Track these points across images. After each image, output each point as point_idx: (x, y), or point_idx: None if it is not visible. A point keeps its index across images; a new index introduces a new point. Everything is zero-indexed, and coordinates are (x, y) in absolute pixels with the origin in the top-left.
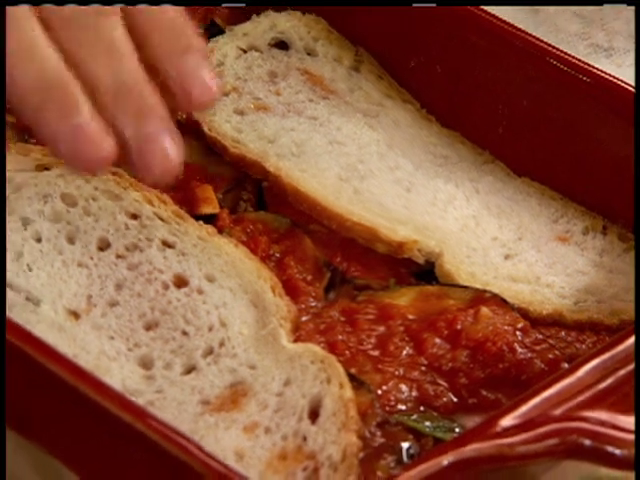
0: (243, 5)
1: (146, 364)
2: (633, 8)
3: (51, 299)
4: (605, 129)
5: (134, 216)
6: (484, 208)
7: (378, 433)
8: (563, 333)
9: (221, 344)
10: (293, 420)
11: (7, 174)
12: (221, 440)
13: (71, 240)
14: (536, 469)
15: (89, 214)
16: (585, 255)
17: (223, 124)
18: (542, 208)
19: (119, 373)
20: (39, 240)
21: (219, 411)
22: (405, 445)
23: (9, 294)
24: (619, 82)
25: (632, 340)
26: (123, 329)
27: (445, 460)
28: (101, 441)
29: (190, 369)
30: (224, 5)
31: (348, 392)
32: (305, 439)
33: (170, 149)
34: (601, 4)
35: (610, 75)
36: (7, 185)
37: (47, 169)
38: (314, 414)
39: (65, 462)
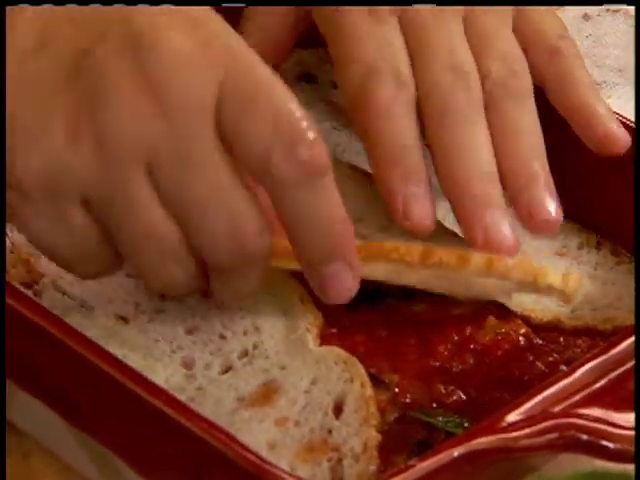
0: (243, 5)
1: (187, 364)
2: (622, 47)
3: (103, 306)
4: (595, 154)
5: None
6: None
7: (395, 427)
8: (561, 338)
9: (255, 347)
10: (319, 415)
11: None
12: (255, 433)
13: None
14: (537, 461)
15: None
16: (581, 268)
17: None
18: None
19: (163, 372)
20: None
21: (253, 406)
22: (419, 438)
23: (66, 301)
24: None
25: (624, 345)
26: (167, 333)
27: (456, 452)
28: (147, 433)
29: (227, 369)
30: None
31: (369, 390)
32: (330, 432)
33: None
34: (601, 4)
35: None
36: None
37: None
38: (338, 410)
39: (115, 451)
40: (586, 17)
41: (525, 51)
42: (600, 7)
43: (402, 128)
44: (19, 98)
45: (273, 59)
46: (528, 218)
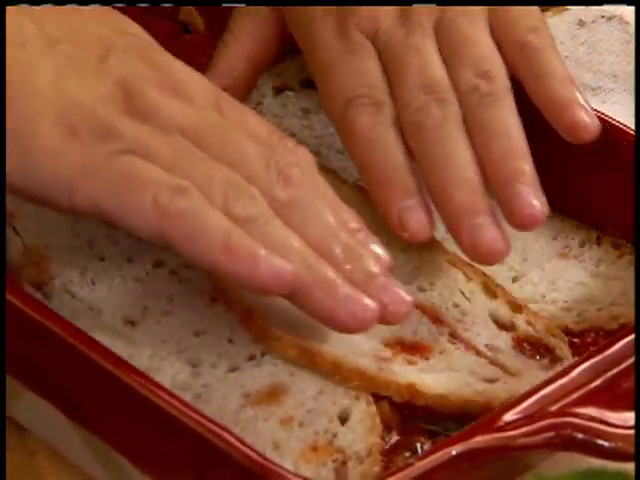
0: (243, 5)
1: (194, 363)
2: (616, 53)
3: (111, 309)
4: (591, 154)
5: None
6: None
7: (397, 433)
8: (567, 339)
9: (263, 354)
10: (325, 420)
11: None
12: (260, 431)
13: (130, 260)
14: (534, 459)
15: (145, 242)
16: (584, 267)
17: None
18: (542, 227)
19: (169, 370)
20: (102, 259)
21: (259, 404)
22: (420, 442)
23: (74, 304)
24: (603, 116)
25: (619, 345)
26: (174, 334)
27: (454, 450)
28: (151, 432)
29: (234, 369)
30: (224, 5)
31: (373, 407)
32: (335, 436)
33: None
34: (601, 4)
35: (596, 110)
36: None
37: None
38: (343, 419)
39: (119, 450)
40: (581, 23)
41: (499, 47)
42: (595, 14)
43: (387, 150)
44: None
45: (261, 63)
46: (512, 214)
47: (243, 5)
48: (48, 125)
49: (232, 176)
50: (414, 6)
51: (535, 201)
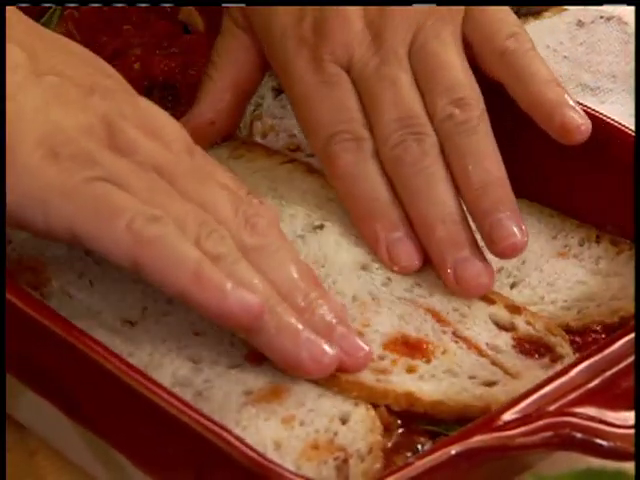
0: (243, 5)
1: (195, 360)
2: (615, 54)
3: (109, 310)
4: (590, 154)
5: None
6: None
7: (398, 435)
8: (568, 337)
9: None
10: (325, 420)
11: None
12: (261, 430)
13: None
14: (532, 459)
15: None
16: (583, 265)
17: None
18: (542, 226)
19: (170, 366)
20: (99, 263)
21: (260, 402)
22: (421, 442)
23: (73, 305)
24: (602, 116)
25: (617, 345)
26: (174, 333)
27: (453, 450)
28: (151, 431)
29: (235, 366)
30: (224, 5)
31: (373, 412)
32: (336, 434)
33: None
34: (601, 4)
35: (595, 110)
36: None
37: None
38: (344, 420)
39: (119, 449)
40: (580, 24)
41: (480, 59)
42: (594, 14)
43: (370, 185)
44: None
45: (246, 91)
46: (493, 243)
47: (243, 5)
48: (30, 146)
49: (204, 216)
50: (387, 31)
51: (516, 230)
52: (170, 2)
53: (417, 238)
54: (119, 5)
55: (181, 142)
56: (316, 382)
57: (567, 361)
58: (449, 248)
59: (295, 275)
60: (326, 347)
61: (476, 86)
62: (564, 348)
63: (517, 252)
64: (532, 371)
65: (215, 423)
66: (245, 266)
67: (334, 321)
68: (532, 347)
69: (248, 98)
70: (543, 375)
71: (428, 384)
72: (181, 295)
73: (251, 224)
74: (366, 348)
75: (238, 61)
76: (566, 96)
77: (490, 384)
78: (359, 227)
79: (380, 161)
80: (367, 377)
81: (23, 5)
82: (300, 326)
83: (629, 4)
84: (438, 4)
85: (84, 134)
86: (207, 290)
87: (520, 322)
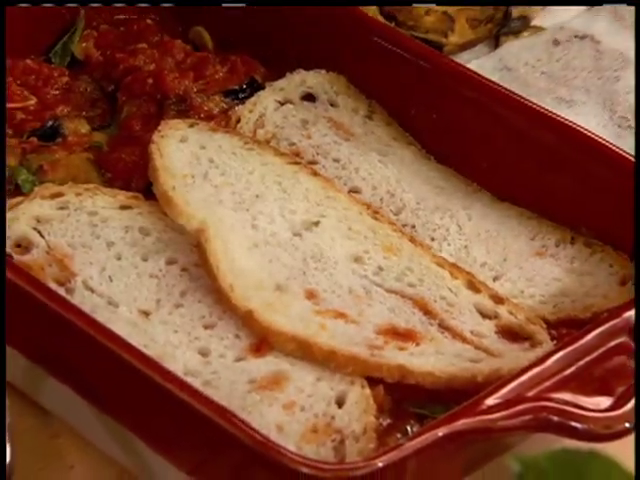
0: (243, 5)
1: (204, 353)
2: (588, 70)
3: (127, 303)
4: (566, 162)
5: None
6: (475, 235)
7: (390, 417)
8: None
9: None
10: (323, 404)
11: (98, 210)
12: (265, 415)
13: (144, 259)
14: (513, 440)
15: (161, 242)
16: (559, 264)
17: None
18: (522, 228)
19: (181, 358)
20: (119, 258)
21: (263, 390)
22: (410, 424)
23: (94, 299)
24: (577, 127)
25: (590, 336)
26: (185, 325)
27: (440, 432)
28: (164, 416)
29: (240, 359)
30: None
31: (368, 390)
32: (333, 418)
33: None
34: (600, 4)
35: (571, 122)
36: (97, 216)
37: (130, 208)
38: (340, 403)
39: (134, 431)
40: (556, 42)
41: None
42: (568, 34)
43: None
44: None
45: None
46: None
47: (243, 5)
48: None
49: None
50: None
51: None
52: (170, 2)
53: None
54: (120, 5)
55: None
56: (314, 362)
57: (545, 347)
58: None
59: None
60: None
61: None
62: (542, 335)
63: None
64: (514, 352)
65: (224, 408)
66: None
67: None
68: (513, 334)
69: None
70: (523, 356)
71: (418, 359)
72: None
73: None
74: None
75: None
76: None
77: (476, 361)
78: None
79: None
80: (362, 352)
81: (42, 23)
82: None
83: (629, 4)
84: (438, 4)
85: None
86: None
87: (503, 311)
